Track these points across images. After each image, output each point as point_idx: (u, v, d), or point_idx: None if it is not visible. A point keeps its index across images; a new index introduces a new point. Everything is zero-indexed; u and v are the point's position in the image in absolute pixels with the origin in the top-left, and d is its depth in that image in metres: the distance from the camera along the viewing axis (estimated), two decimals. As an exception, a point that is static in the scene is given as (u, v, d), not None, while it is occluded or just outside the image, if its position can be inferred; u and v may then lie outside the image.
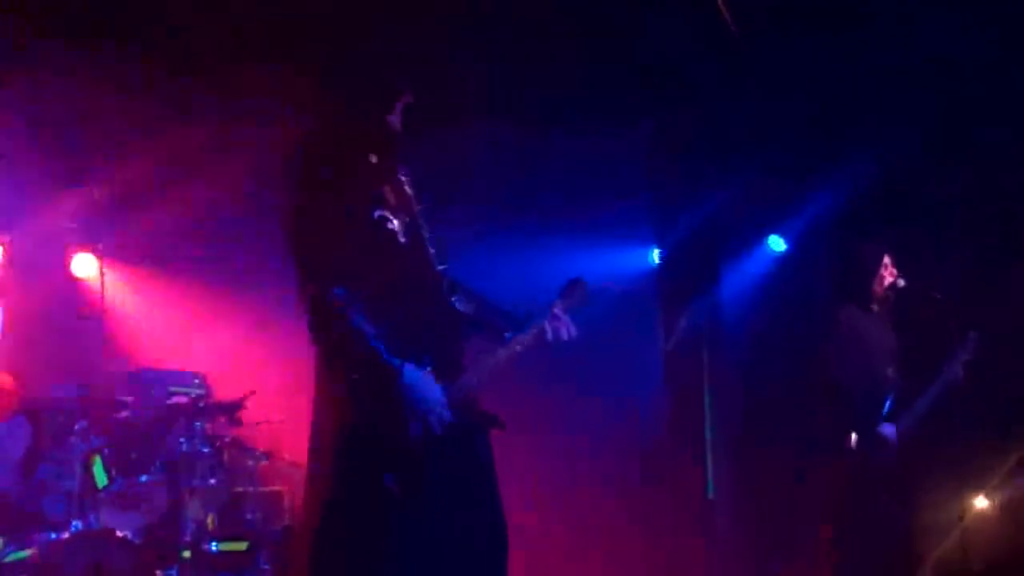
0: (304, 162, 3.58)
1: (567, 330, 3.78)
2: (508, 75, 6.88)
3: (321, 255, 3.45)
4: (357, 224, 3.52)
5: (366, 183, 3.59)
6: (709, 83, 7.14)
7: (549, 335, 3.74)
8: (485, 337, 3.78)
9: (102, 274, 7.07)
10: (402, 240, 3.58)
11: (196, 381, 7.18)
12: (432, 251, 3.65)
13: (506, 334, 3.73)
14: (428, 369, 3.46)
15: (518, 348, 3.68)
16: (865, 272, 5.76)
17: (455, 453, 3.49)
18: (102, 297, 7.02)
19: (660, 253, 8.71)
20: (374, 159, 3.63)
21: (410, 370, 3.40)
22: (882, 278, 5.73)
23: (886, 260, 5.73)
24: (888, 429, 5.51)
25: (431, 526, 3.43)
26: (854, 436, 5.53)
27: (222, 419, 6.41)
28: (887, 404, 5.60)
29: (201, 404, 6.45)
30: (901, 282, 5.72)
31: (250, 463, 6.63)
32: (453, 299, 3.74)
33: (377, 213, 3.56)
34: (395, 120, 3.69)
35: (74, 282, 7.63)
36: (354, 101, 3.68)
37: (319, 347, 3.53)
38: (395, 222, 3.58)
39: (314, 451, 3.57)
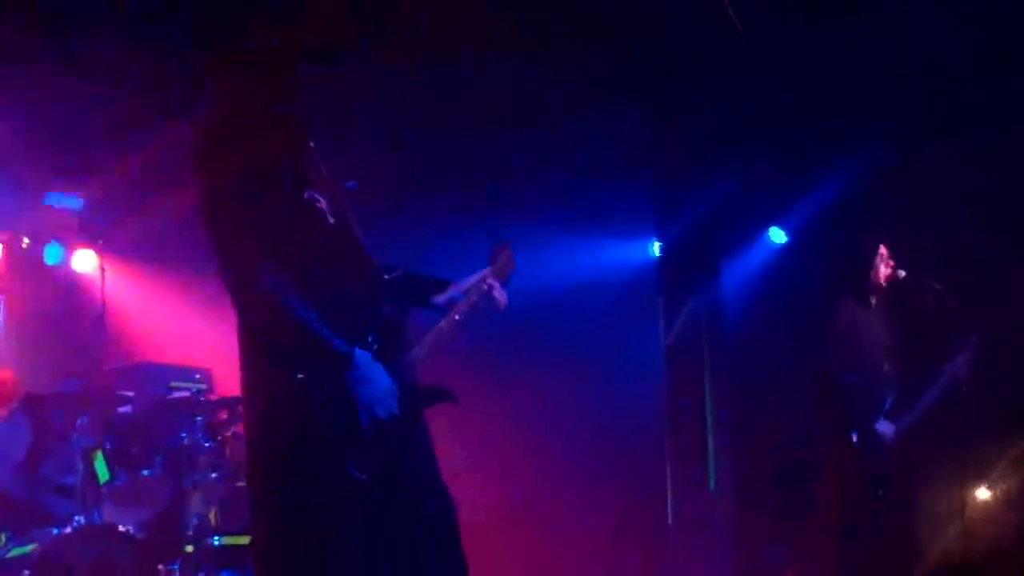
0: (223, 143, 3.40)
1: (500, 296, 3.71)
2: (509, 66, 6.87)
3: (246, 241, 3.28)
4: (285, 206, 3.38)
5: (294, 163, 3.47)
6: (711, 77, 7.13)
7: (483, 305, 3.67)
8: (415, 305, 3.71)
9: (102, 270, 7.08)
10: (331, 220, 3.48)
11: (197, 376, 7.19)
12: (359, 230, 3.55)
13: (434, 300, 3.68)
14: (374, 348, 3.37)
15: (456, 318, 3.61)
16: (864, 264, 5.76)
17: (402, 436, 3.41)
18: (102, 293, 7.03)
19: (661, 246, 8.71)
20: (311, 143, 3.54)
21: (361, 356, 3.30)
22: (879, 269, 5.73)
23: (883, 251, 5.72)
24: (885, 427, 5.51)
25: (388, 513, 3.37)
26: (854, 429, 5.54)
27: (223, 413, 6.41)
28: (887, 400, 5.60)
29: (202, 398, 6.45)
30: (901, 273, 5.72)
31: (252, 457, 6.61)
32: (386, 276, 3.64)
33: (307, 193, 3.44)
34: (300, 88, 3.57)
35: (75, 278, 7.64)
36: (285, 83, 3.53)
37: (253, 341, 3.42)
38: (323, 201, 3.48)
39: (256, 453, 3.39)
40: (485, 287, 3.70)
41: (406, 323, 3.59)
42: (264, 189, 3.34)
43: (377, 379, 3.33)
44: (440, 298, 3.71)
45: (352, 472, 3.27)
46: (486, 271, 3.76)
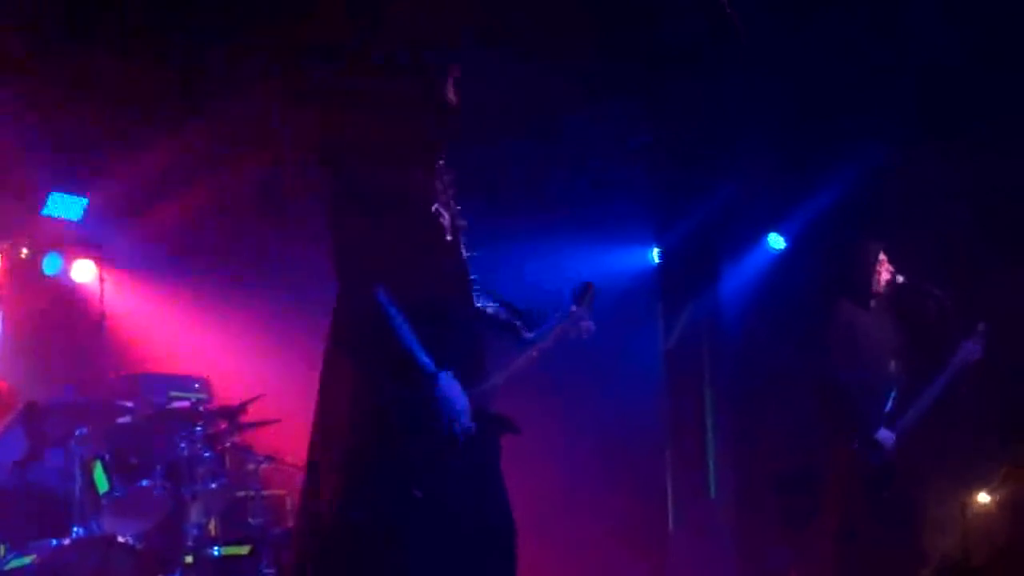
0: (357, 150, 3.49)
1: (587, 329, 3.80)
2: (508, 71, 6.87)
3: (369, 252, 3.39)
4: (413, 218, 3.48)
5: (423, 177, 3.55)
6: (710, 81, 7.13)
7: (573, 335, 3.75)
8: (502, 335, 3.77)
9: (101, 279, 7.08)
10: (448, 238, 3.57)
11: (196, 385, 7.20)
12: (466, 251, 3.64)
13: (526, 335, 3.75)
14: (452, 372, 3.44)
15: (535, 354, 3.70)
16: (865, 269, 5.76)
17: (471, 457, 3.50)
18: (101, 302, 7.02)
19: (660, 251, 8.70)
20: (440, 161, 3.58)
21: (444, 378, 3.39)
22: (879, 274, 5.73)
23: (882, 256, 5.72)
24: (885, 435, 5.49)
25: (449, 531, 3.43)
26: (854, 432, 5.53)
27: (223, 423, 6.40)
28: (889, 401, 5.59)
29: (202, 408, 6.44)
30: (900, 278, 5.72)
31: (252, 467, 6.62)
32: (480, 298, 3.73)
33: (435, 206, 3.54)
34: (451, 95, 3.57)
35: (74, 288, 7.64)
36: (408, 82, 3.55)
37: (347, 347, 3.48)
38: (446, 217, 3.56)
39: (323, 455, 3.49)
40: (571, 324, 3.78)
41: (487, 351, 3.66)
42: (392, 203, 3.43)
43: (457, 399, 3.40)
44: (530, 335, 3.77)
45: (414, 492, 3.35)
46: (577, 311, 3.80)
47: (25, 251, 7.48)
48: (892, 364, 5.72)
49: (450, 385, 3.40)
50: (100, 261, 7.40)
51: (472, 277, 3.65)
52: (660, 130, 7.90)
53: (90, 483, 5.90)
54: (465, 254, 3.63)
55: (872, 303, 5.78)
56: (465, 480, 3.46)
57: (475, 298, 3.65)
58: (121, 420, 6.33)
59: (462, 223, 3.63)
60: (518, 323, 3.78)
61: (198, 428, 6.19)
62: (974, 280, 6.42)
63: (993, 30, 6.31)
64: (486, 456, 3.57)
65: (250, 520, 6.49)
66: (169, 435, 6.21)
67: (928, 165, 7.07)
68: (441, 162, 3.61)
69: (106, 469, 5.99)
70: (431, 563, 3.38)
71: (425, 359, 3.38)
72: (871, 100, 7.00)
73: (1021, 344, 6.29)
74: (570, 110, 7.37)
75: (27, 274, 7.50)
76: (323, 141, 3.62)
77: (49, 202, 7.38)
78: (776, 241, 8.19)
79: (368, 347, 3.42)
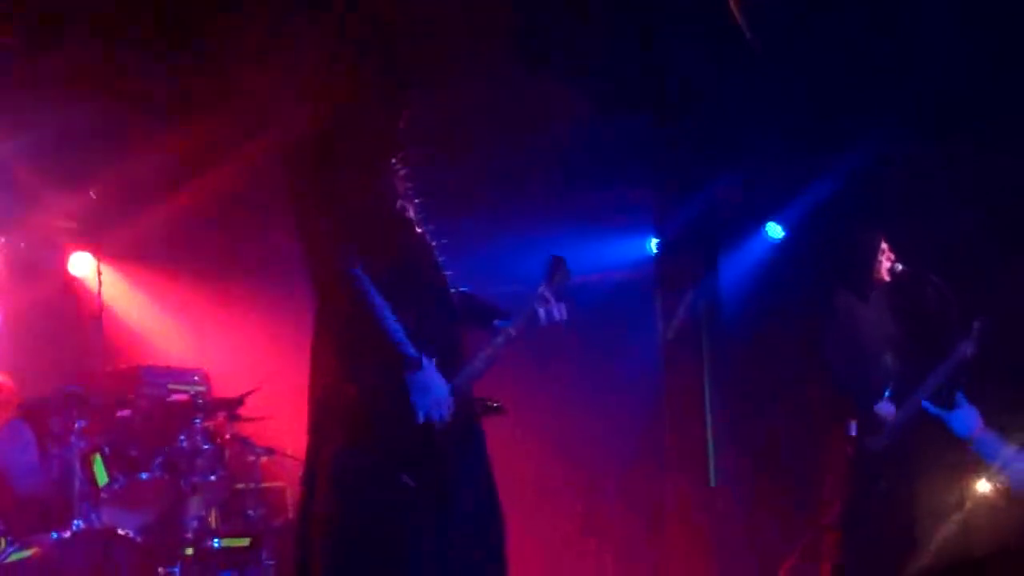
0: (330, 142, 3.56)
1: (558, 312, 3.77)
2: (507, 62, 6.86)
3: (345, 235, 3.43)
4: (382, 210, 3.55)
5: (389, 172, 3.64)
6: (709, 73, 7.12)
7: (542, 318, 3.73)
8: (473, 327, 3.79)
9: (99, 273, 7.08)
10: (418, 230, 3.63)
11: (195, 378, 7.20)
12: (435, 244, 3.68)
13: (495, 322, 3.76)
14: (433, 360, 3.48)
15: (513, 334, 3.70)
16: (864, 259, 5.75)
17: (458, 446, 3.53)
18: (100, 296, 7.02)
19: (658, 241, 8.69)
20: (394, 160, 3.67)
21: (427, 363, 3.42)
22: (880, 264, 5.73)
23: (883, 245, 5.72)
24: (886, 408, 5.49)
25: (442, 522, 3.46)
26: (853, 423, 5.53)
27: (222, 415, 6.41)
28: (886, 391, 5.59)
29: (200, 401, 6.45)
30: (899, 266, 5.72)
31: (251, 459, 6.64)
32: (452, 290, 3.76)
33: (399, 202, 3.60)
34: (402, 123, 3.72)
35: (72, 281, 7.63)
36: (380, 98, 3.67)
37: (331, 330, 3.50)
38: (412, 212, 3.64)
39: (318, 441, 3.53)
40: (539, 308, 3.76)
41: (464, 340, 3.69)
42: (362, 198, 3.50)
43: (436, 387, 3.44)
44: (501, 323, 3.78)
45: (403, 479, 3.38)
46: (542, 286, 3.80)
47: (23, 244, 7.47)
48: (889, 355, 5.72)
49: (430, 371, 3.43)
50: (98, 254, 7.39)
51: (441, 260, 3.69)
52: (662, 124, 7.89)
53: (90, 476, 5.91)
54: (432, 244, 3.68)
55: (871, 293, 5.78)
56: (444, 472, 3.48)
57: (448, 287, 3.69)
58: (120, 413, 6.34)
59: (423, 216, 3.70)
60: (486, 312, 3.81)
61: (197, 421, 6.21)
62: (974, 280, 6.41)
63: (995, 29, 6.30)
64: (472, 442, 3.61)
65: (250, 512, 6.51)
66: (168, 428, 6.23)
67: (929, 164, 7.06)
68: (394, 161, 3.69)
69: (106, 462, 6.00)
70: (427, 551, 3.41)
71: (407, 346, 3.41)
72: (872, 98, 6.98)
73: (1021, 344, 6.28)
74: (571, 103, 7.36)
75: (25, 268, 7.50)
76: (310, 133, 3.66)
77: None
78: (774, 230, 8.19)
79: (351, 336, 3.45)
